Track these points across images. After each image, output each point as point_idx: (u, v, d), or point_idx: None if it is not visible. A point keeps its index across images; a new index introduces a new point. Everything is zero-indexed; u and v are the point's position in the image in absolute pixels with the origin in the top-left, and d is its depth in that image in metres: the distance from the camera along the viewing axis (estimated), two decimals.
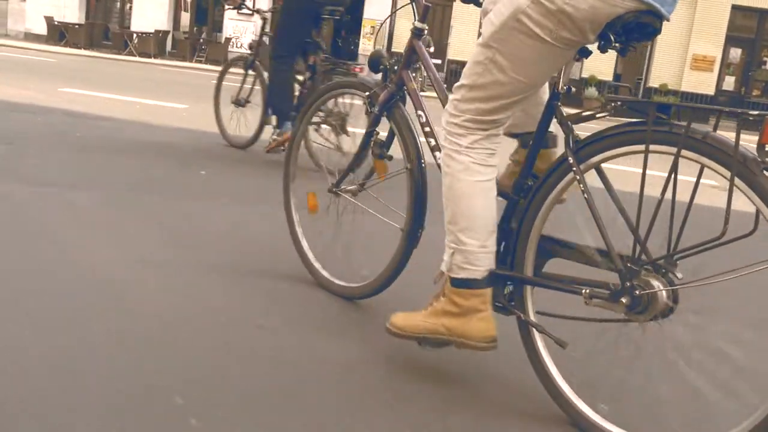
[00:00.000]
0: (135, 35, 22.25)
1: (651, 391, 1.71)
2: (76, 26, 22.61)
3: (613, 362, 1.80)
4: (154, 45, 21.76)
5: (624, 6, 1.38)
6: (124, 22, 24.08)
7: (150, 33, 22.00)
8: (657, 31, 1.47)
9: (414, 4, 1.99)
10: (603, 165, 1.49)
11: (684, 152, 1.31)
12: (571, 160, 1.48)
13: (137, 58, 20.52)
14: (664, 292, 1.36)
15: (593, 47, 1.51)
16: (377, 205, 2.06)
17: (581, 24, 1.40)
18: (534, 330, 1.59)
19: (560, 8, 1.38)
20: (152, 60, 20.61)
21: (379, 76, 2.23)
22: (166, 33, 23.02)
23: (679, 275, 1.37)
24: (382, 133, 2.06)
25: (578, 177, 1.46)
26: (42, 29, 23.11)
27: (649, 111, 1.34)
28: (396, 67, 2.02)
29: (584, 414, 1.50)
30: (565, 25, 1.40)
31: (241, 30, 22.68)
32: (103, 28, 23.30)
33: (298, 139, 2.35)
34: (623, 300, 1.39)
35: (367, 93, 2.08)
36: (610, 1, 1.37)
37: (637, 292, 1.37)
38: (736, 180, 1.24)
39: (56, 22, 22.71)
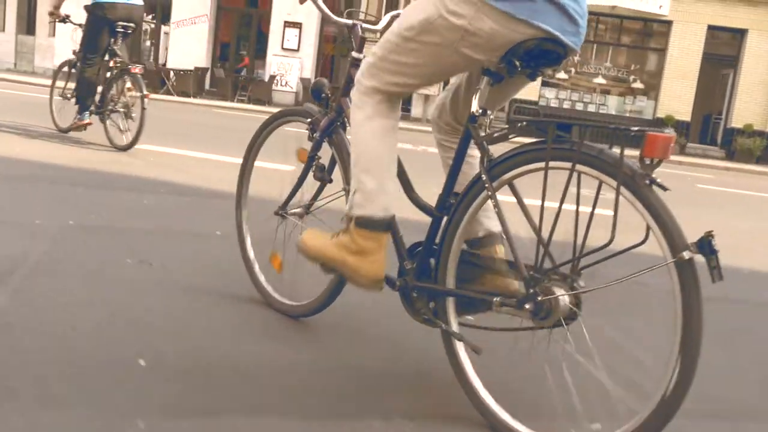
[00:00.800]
0: (172, 73, 20.50)
1: (565, 396, 1.71)
2: None
3: (528, 368, 1.88)
4: (193, 83, 19.99)
5: (523, 33, 1.50)
6: (159, 58, 22.37)
7: (189, 70, 20.25)
8: (561, 57, 1.58)
9: (351, 35, 2.08)
10: (515, 181, 1.58)
11: (579, 167, 1.42)
12: (484, 177, 1.59)
13: (175, 98, 18.74)
14: (566, 298, 1.46)
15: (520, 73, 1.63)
16: (322, 227, 2.03)
17: (478, 45, 1.55)
18: (458, 353, 1.70)
19: (463, 26, 1.53)
20: (191, 100, 18.82)
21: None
22: (204, 70, 21.27)
23: (582, 283, 1.47)
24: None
25: (490, 194, 1.58)
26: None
27: (549, 130, 1.45)
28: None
29: (504, 421, 1.59)
30: (466, 42, 1.55)
31: (286, 68, 20.95)
32: None
33: (249, 166, 2.49)
34: (527, 306, 1.49)
35: (309, 120, 2.19)
36: (510, 26, 1.50)
37: (539, 298, 1.47)
38: (625, 191, 1.37)
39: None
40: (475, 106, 1.66)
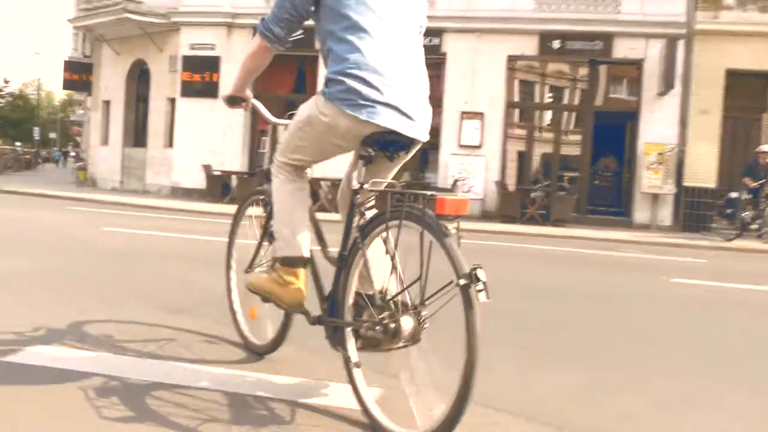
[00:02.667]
0: (323, 184, 15.89)
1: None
2: (245, 176, 16.49)
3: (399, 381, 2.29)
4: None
5: (369, 128, 2.22)
6: None
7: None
8: (407, 144, 2.32)
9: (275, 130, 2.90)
10: (382, 236, 2.20)
11: (406, 222, 2.11)
12: (357, 236, 2.28)
13: (332, 216, 13.99)
14: (408, 322, 2.11)
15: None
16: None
17: (341, 136, 2.29)
18: (352, 370, 2.28)
19: (327, 123, 2.27)
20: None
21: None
22: None
23: (424, 312, 2.12)
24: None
25: (362, 249, 2.26)
26: (193, 182, 17.22)
27: (388, 198, 2.19)
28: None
29: (380, 422, 2.18)
30: (332, 133, 2.30)
31: (468, 169, 16.19)
32: None
33: (232, 239, 3.19)
34: (378, 328, 2.14)
35: (262, 196, 2.90)
36: (358, 124, 2.21)
37: (385, 322, 2.13)
38: (433, 239, 2.02)
39: (217, 172, 16.73)
40: (355, 183, 2.35)
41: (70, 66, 23.32)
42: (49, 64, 58.81)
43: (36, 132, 47.36)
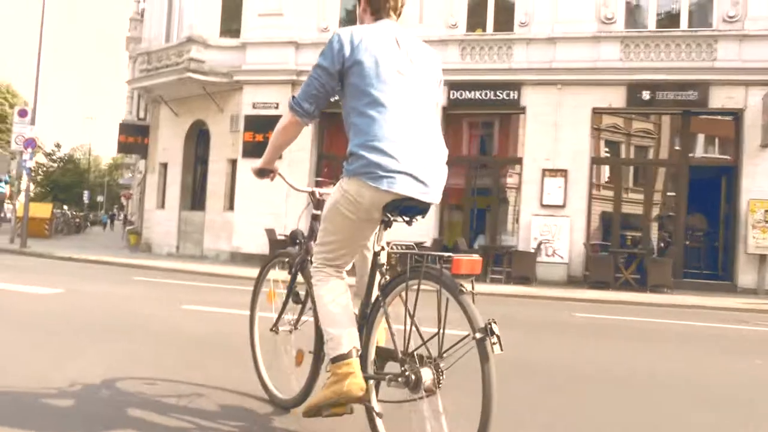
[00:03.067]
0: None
1: None
2: None
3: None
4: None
5: (389, 196, 2.44)
6: None
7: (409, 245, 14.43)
8: (423, 209, 2.55)
9: (311, 198, 3.15)
10: (402, 294, 2.45)
11: (425, 282, 2.37)
12: (380, 295, 2.54)
13: None
14: (428, 373, 2.32)
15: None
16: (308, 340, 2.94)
17: (367, 208, 2.49)
18: (374, 419, 2.54)
19: (353, 200, 2.49)
20: None
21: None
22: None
23: (442, 365, 2.32)
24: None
25: (383, 308, 2.50)
26: (254, 246, 16.24)
27: (409, 259, 2.43)
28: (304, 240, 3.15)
29: None
30: (359, 210, 2.51)
31: (552, 231, 14.89)
32: None
33: (256, 298, 3.47)
34: (400, 380, 2.37)
35: (287, 259, 3.23)
36: (379, 194, 2.43)
37: (406, 374, 2.34)
38: (450, 296, 2.28)
39: (282, 236, 15.70)
40: (376, 246, 2.62)
41: (126, 129, 22.95)
42: (99, 128, 59.45)
43: (85, 195, 47.68)
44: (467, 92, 15.66)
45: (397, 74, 2.54)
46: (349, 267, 2.74)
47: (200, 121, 18.56)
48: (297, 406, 3.01)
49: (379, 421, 2.54)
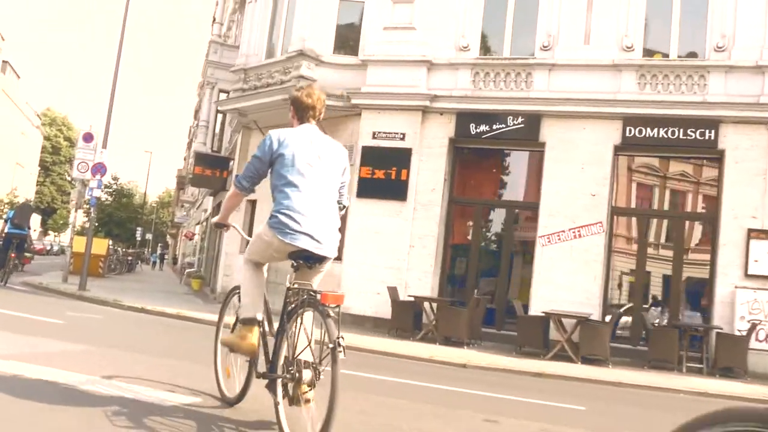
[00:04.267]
0: (426, 305, 11.51)
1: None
2: (450, 305, 12.24)
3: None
4: (589, 336, 10.77)
5: (291, 248, 3.65)
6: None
7: (580, 316, 11.17)
8: (317, 259, 3.75)
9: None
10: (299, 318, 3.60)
11: (307, 308, 3.54)
12: (285, 318, 3.71)
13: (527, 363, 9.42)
14: (308, 374, 3.44)
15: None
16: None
17: (275, 251, 3.75)
18: (277, 407, 3.59)
19: (268, 242, 3.73)
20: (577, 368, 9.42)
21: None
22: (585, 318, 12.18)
23: (320, 368, 3.41)
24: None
25: (287, 326, 3.71)
26: (368, 307, 13.11)
27: (299, 292, 3.66)
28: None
29: None
30: (270, 248, 3.77)
31: (763, 308, 11.43)
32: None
33: (222, 314, 4.62)
34: (288, 376, 3.51)
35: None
36: (284, 244, 3.64)
37: (293, 372, 3.47)
38: (321, 319, 3.40)
39: (410, 298, 12.59)
40: (287, 283, 3.80)
41: (203, 160, 20.32)
42: (152, 163, 57.42)
43: (138, 233, 45.42)
44: (647, 129, 12.51)
45: (307, 165, 3.78)
46: (266, 266, 4.06)
47: None
48: (239, 401, 4.21)
49: (281, 408, 3.60)
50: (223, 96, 23.68)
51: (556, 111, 12.95)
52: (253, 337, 3.77)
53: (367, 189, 13.73)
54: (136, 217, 52.59)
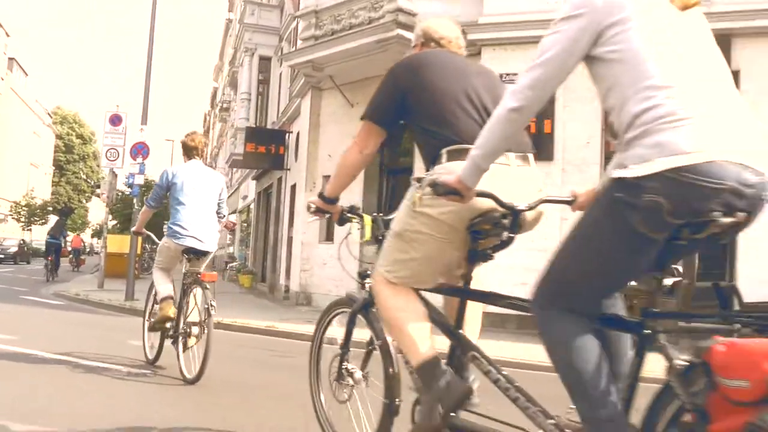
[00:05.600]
0: None
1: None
2: None
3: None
4: None
5: (181, 248, 5.29)
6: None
7: None
8: (201, 253, 5.31)
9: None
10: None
11: (194, 285, 5.13)
12: (182, 294, 5.28)
13: None
14: (195, 329, 5.00)
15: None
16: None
17: (174, 252, 5.37)
18: (178, 354, 5.12)
19: (168, 247, 5.37)
20: None
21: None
22: None
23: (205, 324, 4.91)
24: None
25: (185, 300, 5.26)
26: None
27: (191, 276, 5.22)
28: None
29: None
30: (170, 252, 5.41)
31: None
32: None
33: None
34: (180, 333, 5.14)
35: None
36: (177, 245, 5.29)
37: (185, 329, 5.10)
38: (201, 291, 5.04)
39: None
40: (183, 270, 5.41)
41: (254, 135, 17.16)
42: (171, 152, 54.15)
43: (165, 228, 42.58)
44: None
45: (192, 189, 5.28)
46: (171, 269, 5.39)
47: None
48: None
49: (180, 355, 5.10)
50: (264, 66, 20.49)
51: (744, 28, 9.62)
52: (170, 309, 5.09)
53: None
54: (165, 210, 49.57)
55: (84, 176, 77.90)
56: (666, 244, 1.68)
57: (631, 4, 1.74)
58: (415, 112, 2.39)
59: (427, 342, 2.26)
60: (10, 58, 59.08)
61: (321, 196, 2.86)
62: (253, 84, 21.00)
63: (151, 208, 5.61)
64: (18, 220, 52.53)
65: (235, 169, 30.51)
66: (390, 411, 2.51)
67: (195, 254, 5.20)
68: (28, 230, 54.31)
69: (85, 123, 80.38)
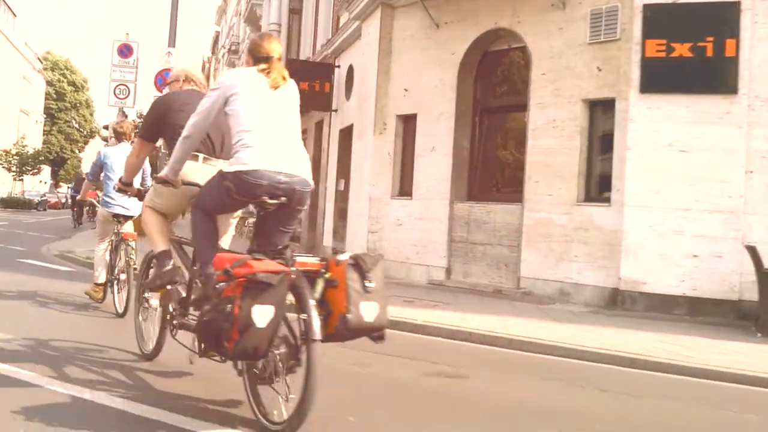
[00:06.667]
0: None
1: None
2: None
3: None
4: None
5: (110, 215, 6.42)
6: None
7: None
8: (127, 217, 6.37)
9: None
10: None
11: (120, 243, 6.40)
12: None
13: None
14: (123, 276, 6.16)
15: None
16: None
17: (105, 221, 6.48)
18: (113, 295, 6.23)
19: (103, 215, 6.53)
20: None
21: None
22: None
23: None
24: None
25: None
26: (676, 281, 7.53)
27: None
28: None
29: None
30: (106, 219, 6.49)
31: None
32: None
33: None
34: (114, 280, 6.40)
35: None
36: (108, 214, 6.43)
37: (115, 276, 6.36)
38: (127, 247, 6.26)
39: None
40: (114, 231, 6.50)
41: (297, 68, 14.39)
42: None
43: None
44: None
45: (120, 167, 5.50)
46: (108, 234, 6.40)
47: (490, 35, 9.83)
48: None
49: (115, 296, 6.19)
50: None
51: None
52: (100, 291, 6.38)
53: (658, 78, 7.93)
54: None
55: (77, 125, 74.50)
56: (259, 208, 3.27)
57: (241, 84, 3.29)
58: (165, 132, 3.96)
59: (165, 241, 3.86)
60: None
61: (121, 181, 4.33)
62: (284, 13, 18.13)
63: (90, 182, 7.04)
64: (9, 170, 49.50)
65: None
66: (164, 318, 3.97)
67: (124, 218, 6.30)
68: (20, 180, 51.36)
69: (77, 69, 76.51)
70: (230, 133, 3.27)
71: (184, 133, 3.40)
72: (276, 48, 3.39)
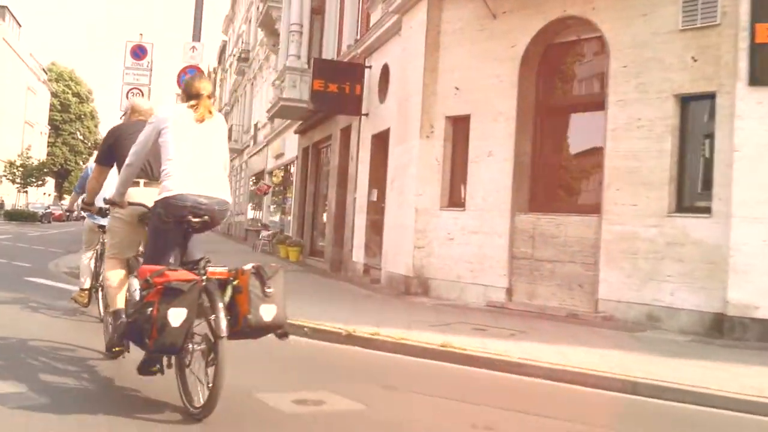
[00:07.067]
0: None
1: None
2: None
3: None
4: None
5: (96, 226, 6.57)
6: None
7: None
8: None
9: None
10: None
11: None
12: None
13: None
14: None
15: None
16: None
17: (91, 230, 6.69)
18: (98, 301, 6.34)
19: (88, 225, 6.72)
20: None
21: None
22: None
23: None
24: None
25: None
26: None
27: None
28: None
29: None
30: (90, 229, 6.72)
31: None
32: None
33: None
34: (97, 285, 6.65)
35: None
36: (94, 225, 6.62)
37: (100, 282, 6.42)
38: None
39: None
40: (100, 240, 6.63)
41: (324, 69, 13.29)
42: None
43: None
44: None
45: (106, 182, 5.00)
46: (94, 243, 6.58)
47: (558, 25, 8.71)
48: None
49: (100, 301, 6.23)
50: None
51: None
52: (84, 297, 6.55)
53: None
54: None
55: (81, 137, 73.64)
56: (187, 226, 3.71)
57: (171, 119, 3.80)
58: (117, 158, 4.48)
59: (120, 299, 4.23)
60: (2, 6, 54.57)
61: (83, 201, 5.14)
62: (305, 14, 17.08)
63: (77, 194, 6.93)
64: (13, 181, 48.50)
65: (263, 123, 26.60)
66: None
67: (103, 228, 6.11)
68: (24, 192, 50.36)
69: (82, 81, 75.76)
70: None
71: (127, 161, 4.01)
72: (206, 86, 3.92)
